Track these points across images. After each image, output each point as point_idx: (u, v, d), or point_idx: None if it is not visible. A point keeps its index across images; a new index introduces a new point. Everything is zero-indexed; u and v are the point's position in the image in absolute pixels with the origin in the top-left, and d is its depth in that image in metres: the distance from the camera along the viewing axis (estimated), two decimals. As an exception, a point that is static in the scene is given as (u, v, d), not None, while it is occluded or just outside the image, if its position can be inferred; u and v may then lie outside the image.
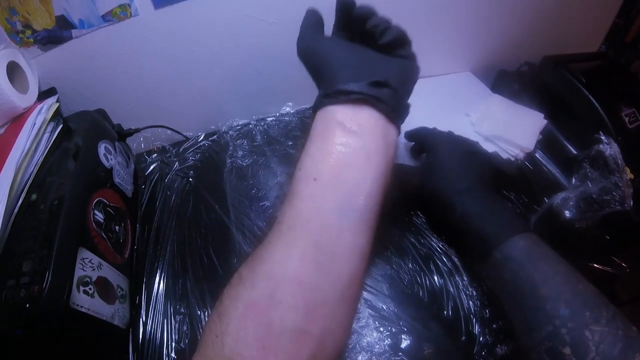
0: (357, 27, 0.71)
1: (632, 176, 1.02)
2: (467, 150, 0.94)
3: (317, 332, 0.51)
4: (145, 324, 0.89)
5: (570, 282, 0.68)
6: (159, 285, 0.95)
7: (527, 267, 0.71)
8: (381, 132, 0.61)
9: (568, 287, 0.67)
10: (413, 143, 1.06)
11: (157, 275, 0.97)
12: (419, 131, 1.03)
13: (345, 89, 0.60)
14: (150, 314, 0.91)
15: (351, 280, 0.55)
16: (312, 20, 0.73)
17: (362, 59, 0.67)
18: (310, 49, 0.69)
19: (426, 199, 0.96)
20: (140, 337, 0.88)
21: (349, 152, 0.57)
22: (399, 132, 0.66)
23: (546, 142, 1.23)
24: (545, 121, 1.23)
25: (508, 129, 1.18)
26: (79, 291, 0.69)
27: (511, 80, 1.48)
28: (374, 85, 0.60)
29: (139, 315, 0.91)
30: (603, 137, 1.01)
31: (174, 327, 0.89)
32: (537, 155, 1.23)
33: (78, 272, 0.70)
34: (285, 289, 0.51)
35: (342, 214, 0.55)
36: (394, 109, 0.62)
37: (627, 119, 1.20)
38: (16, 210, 0.75)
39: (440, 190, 0.89)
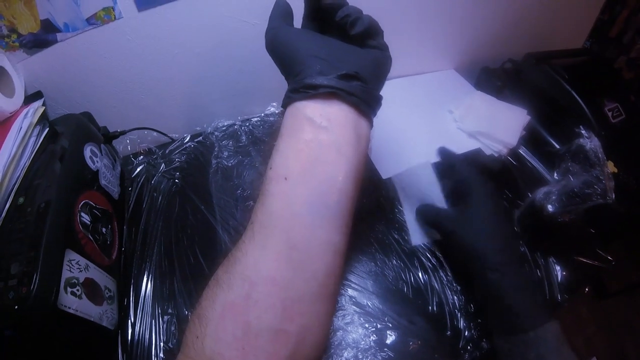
0: (327, 17, 0.69)
1: (615, 170, 1.04)
2: (505, 210, 0.94)
3: (294, 331, 0.51)
4: (133, 325, 0.90)
5: None
6: (147, 286, 0.96)
7: (555, 353, 0.74)
8: (352, 125, 0.60)
9: None
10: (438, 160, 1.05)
11: (145, 276, 0.98)
12: (459, 167, 0.99)
13: (314, 83, 0.58)
14: (139, 315, 0.91)
15: (327, 277, 0.55)
16: (280, 10, 0.71)
17: (332, 50, 0.64)
18: (278, 40, 0.67)
19: (455, 247, 0.92)
20: (129, 337, 0.88)
21: (319, 148, 0.56)
22: (371, 125, 0.64)
23: (530, 137, 1.25)
24: (529, 117, 1.24)
25: (491, 125, 1.20)
26: (66, 292, 0.69)
27: (494, 77, 1.49)
28: (343, 78, 0.59)
29: (127, 316, 0.91)
30: (583, 132, 1.02)
31: (162, 327, 0.89)
32: (520, 150, 1.24)
33: (65, 274, 0.71)
34: (260, 289, 0.51)
35: (314, 211, 0.54)
36: (365, 101, 0.61)
37: (610, 114, 1.22)
38: (3, 214, 0.75)
39: (477, 251, 0.85)
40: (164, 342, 0.87)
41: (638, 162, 1.13)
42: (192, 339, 0.52)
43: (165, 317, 0.91)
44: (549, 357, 0.72)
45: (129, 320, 0.91)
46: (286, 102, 0.62)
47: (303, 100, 0.60)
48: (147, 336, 0.88)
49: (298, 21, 0.75)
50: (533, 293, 0.82)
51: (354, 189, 0.58)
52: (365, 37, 0.66)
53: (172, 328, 0.89)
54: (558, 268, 0.97)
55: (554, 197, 1.00)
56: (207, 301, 0.54)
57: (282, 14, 0.71)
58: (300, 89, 0.60)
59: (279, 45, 0.67)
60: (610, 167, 1.03)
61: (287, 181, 0.56)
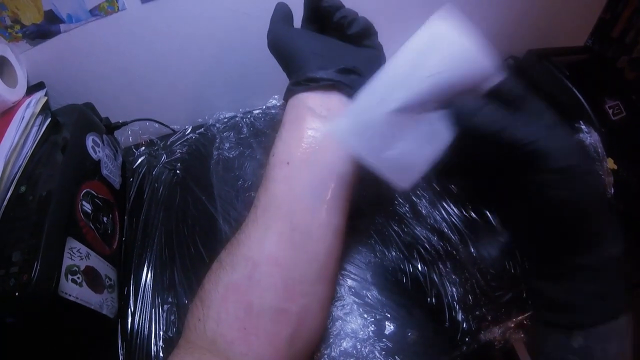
0: (326, 19, 0.72)
1: (614, 167, 1.04)
2: None
3: (296, 311, 0.53)
4: (133, 314, 0.90)
5: None
6: (147, 275, 0.97)
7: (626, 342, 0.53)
8: None
9: None
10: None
11: (145, 266, 0.98)
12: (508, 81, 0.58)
13: (315, 76, 0.61)
14: (139, 304, 0.92)
15: (328, 259, 0.57)
16: (281, 13, 0.74)
17: (331, 48, 0.68)
18: (280, 40, 0.70)
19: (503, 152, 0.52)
20: (129, 326, 0.89)
21: (320, 136, 0.58)
22: None
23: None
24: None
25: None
26: (67, 280, 0.70)
27: (496, 73, 1.49)
28: (342, 72, 0.61)
29: (127, 305, 0.92)
30: (583, 127, 1.02)
31: (162, 316, 0.90)
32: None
33: (66, 262, 0.71)
34: (263, 269, 0.53)
35: (316, 195, 0.56)
36: None
37: (610, 111, 1.21)
38: (5, 202, 0.76)
39: (544, 149, 0.50)
40: (163, 331, 0.88)
41: (638, 160, 1.13)
42: (194, 322, 0.54)
43: (165, 307, 0.91)
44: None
45: (129, 309, 0.91)
46: (288, 95, 0.65)
47: (304, 92, 0.62)
48: (146, 325, 0.89)
49: (297, 23, 0.77)
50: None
51: (353, 173, 0.59)
52: (361, 37, 0.69)
53: (172, 317, 0.90)
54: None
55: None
56: (210, 284, 0.56)
57: (282, 15, 0.73)
58: (302, 81, 0.62)
59: (281, 45, 0.69)
60: (610, 164, 1.03)
61: (289, 166, 0.57)
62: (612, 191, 0.98)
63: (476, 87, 0.53)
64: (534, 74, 1.38)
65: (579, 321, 0.52)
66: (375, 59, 0.70)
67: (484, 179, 0.64)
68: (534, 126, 0.49)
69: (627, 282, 0.54)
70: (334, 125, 0.50)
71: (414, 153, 0.53)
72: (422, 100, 0.52)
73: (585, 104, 1.21)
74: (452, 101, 0.52)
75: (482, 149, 0.55)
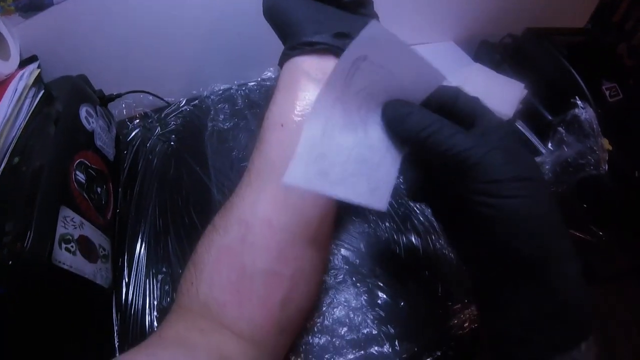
0: None
1: (610, 147, 1.04)
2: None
3: (288, 274, 0.54)
4: (128, 284, 0.91)
5: None
6: (141, 246, 0.97)
7: None
8: None
9: None
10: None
11: (140, 237, 0.99)
12: (463, 97, 0.60)
13: (310, 40, 0.61)
14: (133, 275, 0.92)
15: (321, 223, 0.58)
16: None
17: (326, 15, 0.67)
18: (276, 7, 0.69)
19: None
20: (123, 297, 0.89)
21: (314, 98, 0.57)
22: None
23: (526, 112, 1.25)
24: (526, 91, 1.25)
25: (488, 97, 1.19)
26: (60, 248, 0.70)
27: (493, 51, 1.50)
28: (337, 37, 0.61)
29: (121, 276, 0.92)
30: (579, 102, 1.02)
31: (156, 286, 0.90)
32: (517, 124, 1.24)
33: (60, 230, 0.71)
34: (256, 231, 0.53)
35: None
36: None
37: (607, 92, 1.22)
38: (-1, 173, 0.76)
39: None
40: (157, 301, 0.88)
41: (633, 141, 1.13)
42: (186, 286, 0.54)
43: (160, 277, 0.92)
44: None
45: (123, 280, 0.91)
46: (283, 59, 0.64)
47: (300, 56, 0.62)
48: (141, 295, 0.89)
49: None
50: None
51: None
52: (356, 5, 0.69)
53: (166, 287, 0.90)
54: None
55: (547, 167, 1.01)
56: (203, 247, 0.56)
57: None
58: (297, 45, 0.62)
59: (276, 12, 0.68)
60: (606, 144, 1.03)
61: (283, 128, 0.57)
62: (606, 167, 0.98)
63: (416, 92, 0.52)
64: (531, 52, 1.38)
65: (534, 354, 0.47)
66: None
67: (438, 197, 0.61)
68: (467, 135, 0.47)
69: (588, 303, 0.47)
70: (289, 174, 0.48)
71: (375, 171, 0.52)
72: (363, 118, 0.52)
73: (582, 84, 1.21)
74: (384, 108, 0.53)
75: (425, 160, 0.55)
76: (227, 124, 1.25)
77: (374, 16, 0.71)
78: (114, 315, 0.87)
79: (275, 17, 0.69)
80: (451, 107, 0.53)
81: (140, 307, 0.88)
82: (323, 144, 0.49)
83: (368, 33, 0.46)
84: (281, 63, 0.65)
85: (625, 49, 1.67)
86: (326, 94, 0.49)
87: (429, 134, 0.46)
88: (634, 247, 1.03)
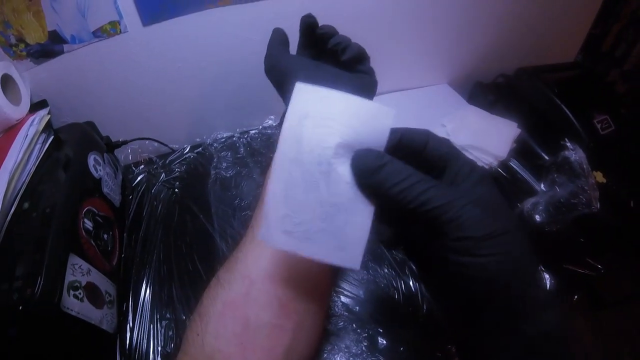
0: (320, 45, 0.74)
1: (604, 180, 1.07)
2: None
3: (290, 327, 0.54)
4: (132, 329, 0.92)
5: None
6: (146, 291, 0.98)
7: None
8: None
9: None
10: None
11: (144, 282, 1.00)
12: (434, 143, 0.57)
13: None
14: (137, 320, 0.93)
15: (322, 277, 0.59)
16: (278, 39, 0.76)
17: (325, 74, 0.70)
18: (276, 66, 0.72)
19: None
20: (128, 341, 0.90)
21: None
22: None
23: (520, 150, 1.27)
24: (519, 130, 1.27)
25: (483, 139, 1.22)
26: (69, 295, 0.71)
27: (487, 91, 1.53)
28: None
29: (126, 320, 0.93)
30: (568, 144, 1.05)
31: (160, 332, 0.91)
32: (511, 163, 1.26)
33: (69, 277, 0.73)
34: (259, 286, 0.55)
35: None
36: None
37: (599, 126, 1.24)
38: (9, 217, 0.77)
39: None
40: (161, 347, 0.89)
41: (627, 173, 1.15)
42: (192, 336, 0.55)
43: (164, 322, 0.93)
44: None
45: (128, 325, 0.92)
46: (284, 118, 0.65)
47: None
48: (145, 340, 0.90)
49: (293, 48, 0.79)
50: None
51: None
52: (354, 62, 0.71)
53: (170, 333, 0.91)
54: (547, 276, 0.99)
55: (541, 208, 1.03)
56: (208, 300, 0.57)
57: (279, 41, 0.75)
58: None
59: (277, 71, 0.72)
60: (599, 177, 1.06)
61: None
62: (598, 205, 1.00)
63: (373, 135, 0.49)
64: (524, 91, 1.42)
65: None
66: (367, 85, 0.72)
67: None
68: (441, 188, 0.44)
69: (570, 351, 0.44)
70: (260, 234, 0.47)
71: (342, 228, 0.48)
72: (324, 172, 0.49)
73: (573, 120, 1.24)
74: (353, 158, 0.49)
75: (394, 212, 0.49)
76: (230, 171, 1.27)
77: (370, 72, 0.73)
78: (118, 359, 0.87)
79: (276, 75, 0.72)
80: (421, 151, 0.50)
81: (144, 351, 0.88)
82: (287, 204, 0.48)
83: (298, 95, 0.48)
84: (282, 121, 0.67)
85: (618, 75, 1.70)
86: (280, 158, 0.49)
87: (401, 189, 0.44)
88: (636, 272, 1.04)
